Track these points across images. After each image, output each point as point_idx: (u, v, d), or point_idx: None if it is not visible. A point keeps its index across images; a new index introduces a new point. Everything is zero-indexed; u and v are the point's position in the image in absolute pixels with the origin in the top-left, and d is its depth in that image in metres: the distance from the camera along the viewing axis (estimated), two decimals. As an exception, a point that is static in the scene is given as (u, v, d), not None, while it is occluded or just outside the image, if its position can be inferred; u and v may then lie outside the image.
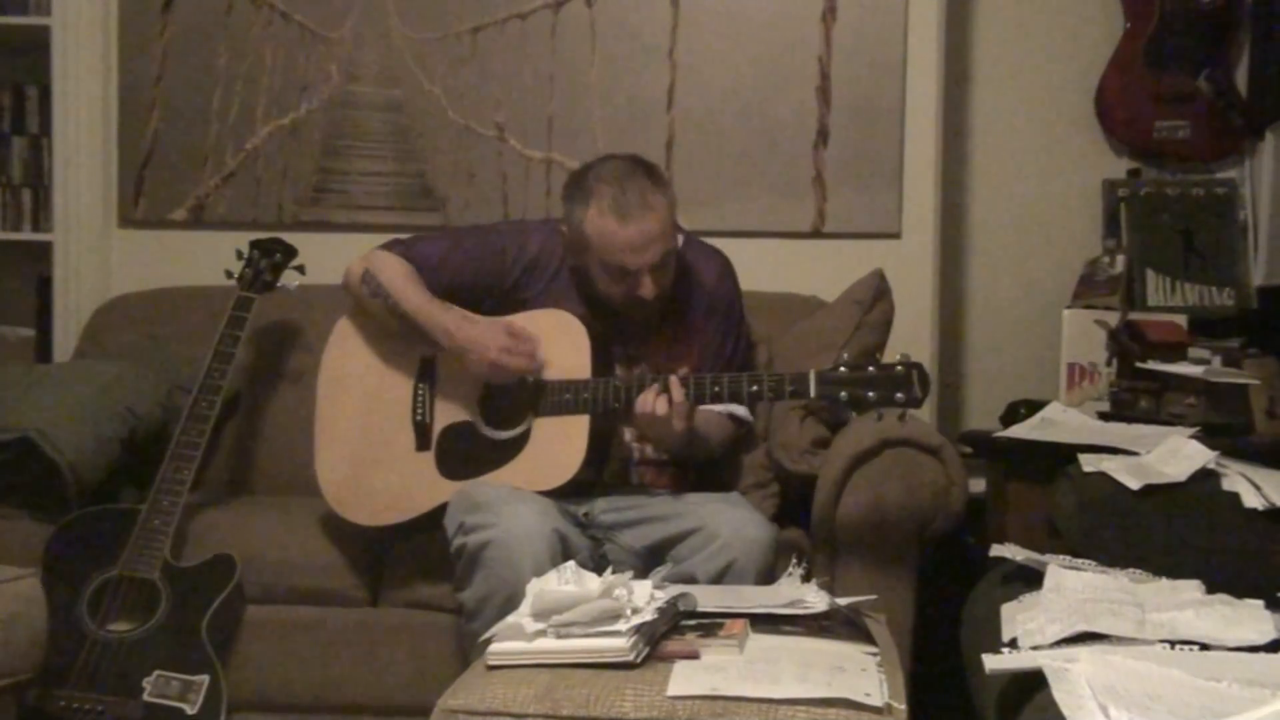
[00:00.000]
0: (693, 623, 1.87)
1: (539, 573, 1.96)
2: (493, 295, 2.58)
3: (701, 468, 2.62)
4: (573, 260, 2.54)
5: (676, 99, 3.34)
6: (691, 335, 2.59)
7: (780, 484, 2.70)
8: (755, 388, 2.32)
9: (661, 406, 2.32)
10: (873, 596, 2.13)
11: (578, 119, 3.35)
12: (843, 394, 2.23)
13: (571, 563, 1.95)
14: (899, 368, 2.22)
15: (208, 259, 3.14)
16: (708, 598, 1.96)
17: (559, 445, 2.43)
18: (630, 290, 2.45)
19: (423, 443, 2.55)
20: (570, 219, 2.49)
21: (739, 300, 2.68)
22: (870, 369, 2.23)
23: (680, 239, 2.56)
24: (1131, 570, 2.02)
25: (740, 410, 2.60)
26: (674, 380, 2.33)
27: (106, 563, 2.52)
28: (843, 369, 2.24)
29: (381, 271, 2.56)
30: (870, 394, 2.22)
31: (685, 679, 1.66)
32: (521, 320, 2.53)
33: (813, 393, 2.26)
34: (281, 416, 3.10)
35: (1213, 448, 2.26)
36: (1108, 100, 3.48)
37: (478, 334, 2.47)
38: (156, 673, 2.44)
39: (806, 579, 2.10)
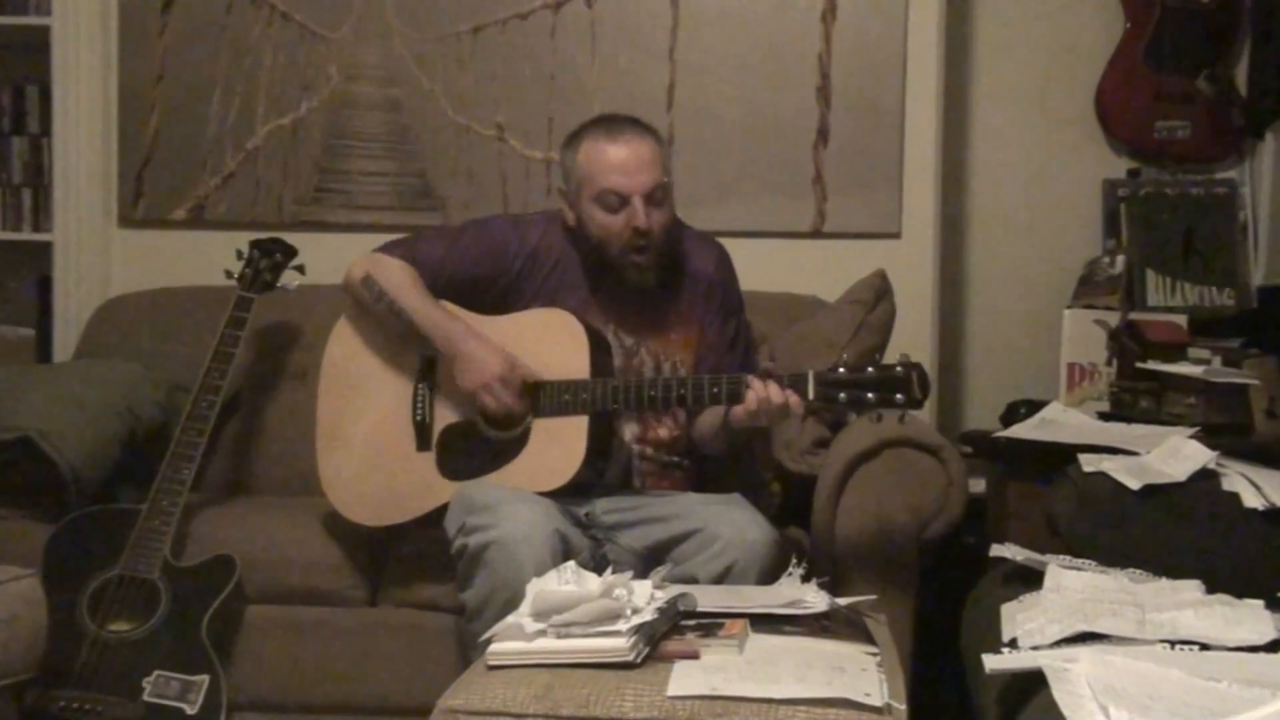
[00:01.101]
0: (693, 623, 1.87)
1: (540, 573, 1.96)
2: (496, 288, 2.58)
3: (704, 469, 2.62)
4: (571, 218, 2.54)
5: (676, 99, 3.34)
6: (691, 323, 2.59)
7: (780, 484, 2.70)
8: None
9: (778, 395, 2.28)
10: (873, 596, 2.13)
11: (578, 119, 3.31)
12: (841, 395, 2.23)
13: (572, 563, 1.95)
14: (898, 369, 2.21)
15: (208, 259, 3.14)
16: (707, 598, 1.96)
17: (558, 446, 2.43)
18: (626, 221, 2.45)
19: (423, 443, 2.55)
20: (565, 166, 2.54)
21: (737, 287, 2.68)
22: (869, 370, 2.22)
23: (678, 228, 2.57)
24: (1131, 570, 2.02)
25: None
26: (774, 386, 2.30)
27: (106, 563, 2.52)
28: (842, 370, 2.24)
29: (383, 276, 2.56)
30: (869, 395, 2.21)
31: (685, 679, 1.66)
32: (521, 319, 2.53)
33: (811, 394, 2.25)
34: (281, 416, 3.10)
35: (1213, 448, 2.25)
36: (1108, 100, 3.48)
37: (478, 354, 2.46)
38: (156, 673, 2.44)
39: (806, 579, 2.09)
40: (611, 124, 2.52)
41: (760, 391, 2.27)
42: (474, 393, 2.46)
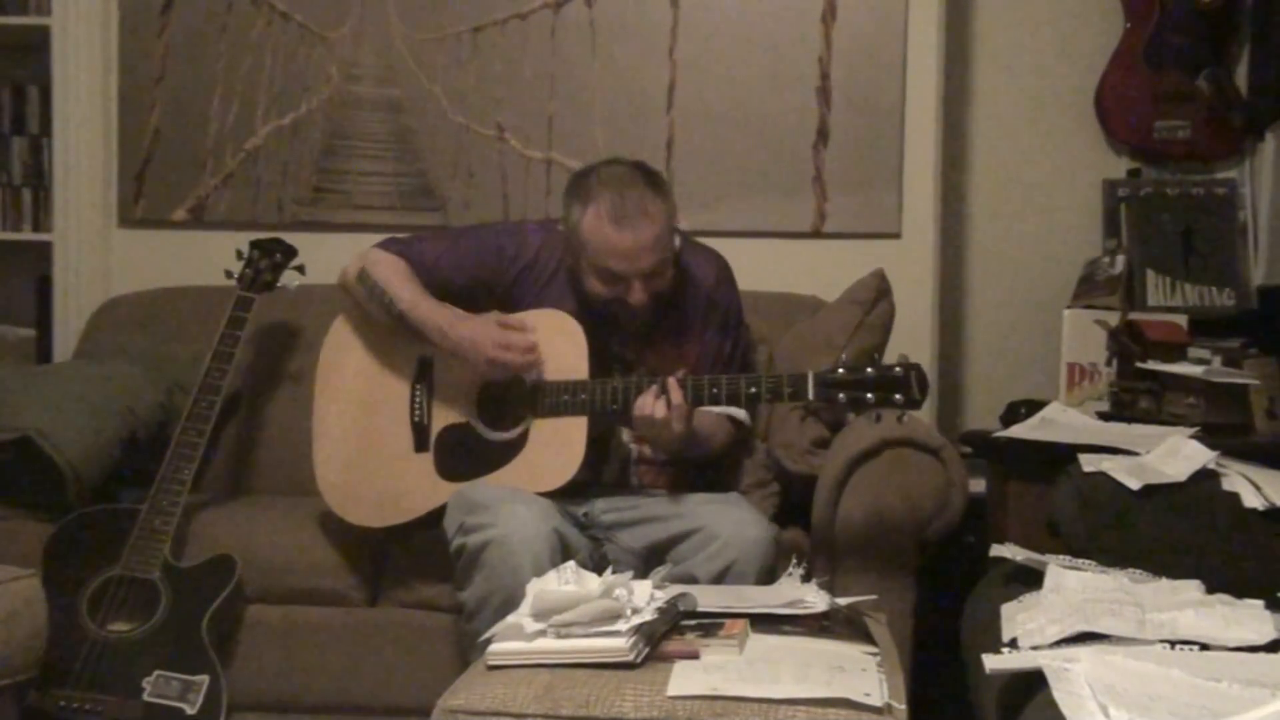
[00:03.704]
0: (693, 623, 1.87)
1: (539, 573, 1.96)
2: (491, 295, 2.58)
3: (702, 468, 2.62)
4: (568, 260, 2.54)
5: (676, 99, 3.34)
6: (689, 337, 2.59)
7: (780, 484, 2.70)
8: (754, 389, 2.32)
9: (660, 409, 2.31)
10: (873, 596, 2.13)
11: (578, 119, 3.35)
12: (841, 396, 2.23)
13: (571, 563, 1.95)
14: (897, 369, 2.22)
15: (208, 259, 3.15)
16: (707, 598, 1.96)
17: (557, 447, 2.43)
18: (619, 295, 2.45)
19: (421, 444, 2.55)
20: (568, 218, 2.49)
21: (737, 301, 2.68)
22: (869, 370, 2.23)
23: (677, 241, 2.56)
24: (1131, 570, 2.02)
25: (739, 413, 2.60)
26: (672, 382, 2.33)
27: (106, 563, 2.52)
28: (841, 370, 2.24)
29: (377, 270, 2.56)
30: (869, 396, 2.22)
31: (685, 679, 1.66)
32: (520, 319, 2.53)
33: (811, 395, 2.26)
34: (281, 416, 3.10)
35: (1213, 448, 2.25)
36: (1108, 100, 3.48)
37: (471, 331, 2.47)
38: (156, 673, 2.44)
39: (806, 579, 2.10)
40: (619, 196, 2.41)
41: (646, 405, 2.30)
42: (485, 370, 2.47)
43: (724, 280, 2.65)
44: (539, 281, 2.57)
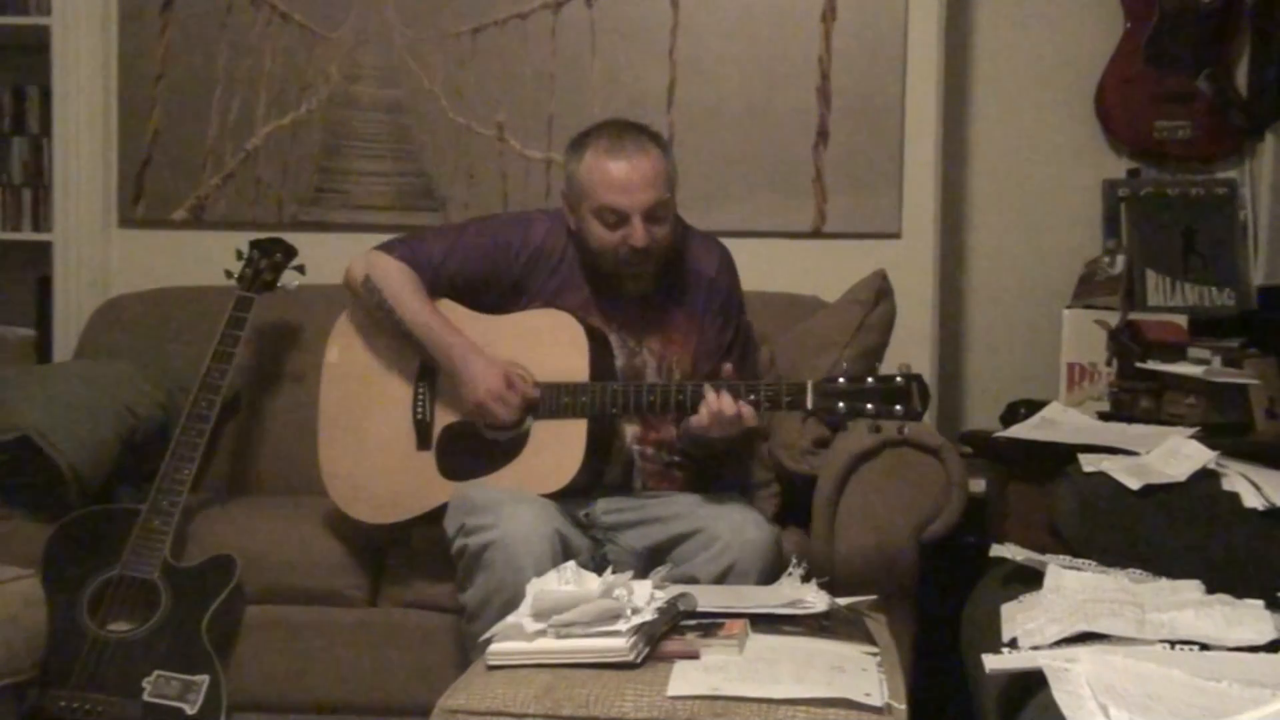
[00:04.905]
0: (693, 623, 1.87)
1: (540, 574, 1.96)
2: (499, 287, 2.58)
3: (706, 468, 2.62)
4: (571, 221, 2.54)
5: (676, 99, 3.34)
6: (690, 325, 2.59)
7: (780, 484, 2.70)
8: (753, 397, 2.31)
9: (729, 404, 2.29)
10: (872, 596, 2.13)
11: (578, 119, 3.32)
12: (840, 405, 2.22)
13: (572, 563, 1.95)
14: (898, 379, 2.20)
15: (208, 259, 3.14)
16: (708, 597, 1.96)
17: (557, 448, 2.43)
18: (623, 239, 2.44)
19: (423, 442, 2.55)
20: (568, 172, 2.51)
21: (738, 290, 2.68)
22: (869, 381, 2.21)
23: (681, 229, 2.56)
24: (1131, 570, 2.02)
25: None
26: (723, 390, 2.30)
27: (106, 563, 2.52)
28: (841, 380, 2.23)
29: (384, 281, 2.55)
30: (869, 406, 2.21)
31: (685, 679, 1.66)
32: (521, 320, 2.53)
33: (810, 404, 2.25)
34: (281, 416, 3.10)
35: (1213, 448, 2.25)
36: (1108, 100, 3.48)
37: (477, 371, 2.46)
38: (156, 673, 2.44)
39: (806, 579, 2.09)
40: (616, 137, 2.47)
41: (713, 404, 2.28)
42: (470, 408, 2.47)
43: (725, 268, 2.65)
44: (546, 270, 2.57)
